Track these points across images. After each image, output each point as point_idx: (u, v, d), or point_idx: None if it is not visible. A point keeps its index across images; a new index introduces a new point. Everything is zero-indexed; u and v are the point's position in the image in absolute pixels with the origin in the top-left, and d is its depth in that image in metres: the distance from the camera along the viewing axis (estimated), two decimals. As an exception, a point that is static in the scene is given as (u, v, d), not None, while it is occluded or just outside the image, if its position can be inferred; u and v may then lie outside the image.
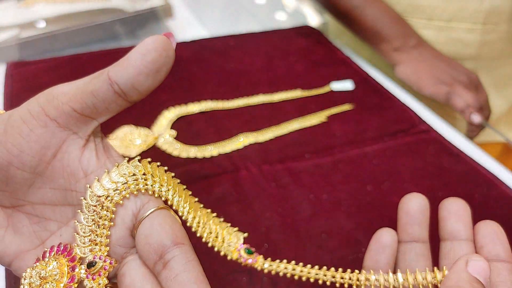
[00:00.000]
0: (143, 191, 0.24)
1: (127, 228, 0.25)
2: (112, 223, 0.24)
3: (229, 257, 0.26)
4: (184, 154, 0.44)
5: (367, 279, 0.26)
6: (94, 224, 0.24)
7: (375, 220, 0.39)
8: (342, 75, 0.59)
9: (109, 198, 0.24)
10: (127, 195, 0.24)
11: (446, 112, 0.62)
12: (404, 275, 0.25)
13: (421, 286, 0.25)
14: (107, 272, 0.24)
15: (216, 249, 0.26)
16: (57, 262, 0.24)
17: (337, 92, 0.56)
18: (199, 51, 0.62)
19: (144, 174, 0.25)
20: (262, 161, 0.44)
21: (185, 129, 0.48)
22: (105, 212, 0.24)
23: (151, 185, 0.25)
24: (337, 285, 0.26)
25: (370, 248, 0.29)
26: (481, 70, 0.65)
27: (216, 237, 0.26)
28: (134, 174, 0.24)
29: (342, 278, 0.26)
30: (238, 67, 0.59)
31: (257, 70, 0.59)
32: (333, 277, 0.26)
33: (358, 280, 0.26)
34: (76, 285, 0.23)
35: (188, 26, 0.73)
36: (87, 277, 0.23)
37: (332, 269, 0.26)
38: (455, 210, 0.28)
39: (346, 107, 0.53)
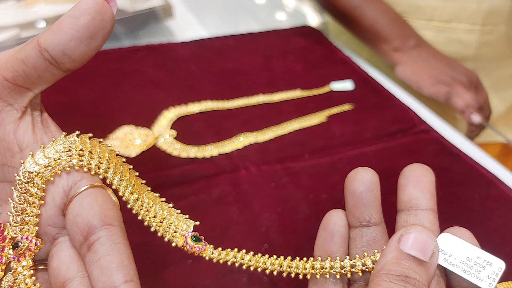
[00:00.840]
0: (76, 167, 0.23)
1: (57, 207, 0.23)
2: (42, 202, 0.23)
3: (173, 244, 0.24)
4: (184, 154, 0.44)
5: (313, 267, 0.24)
6: (25, 202, 0.23)
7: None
8: (342, 75, 0.59)
9: (40, 174, 0.23)
10: (59, 171, 0.23)
11: (446, 112, 0.62)
12: (353, 261, 0.24)
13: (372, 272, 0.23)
14: (33, 254, 0.23)
15: (159, 234, 0.25)
16: None
17: (337, 92, 0.56)
18: (198, 51, 0.62)
19: (81, 150, 0.23)
20: (261, 161, 0.44)
21: (185, 129, 0.48)
22: (35, 189, 0.23)
23: (87, 162, 0.23)
24: (284, 274, 0.25)
25: (318, 235, 0.25)
26: (480, 71, 0.65)
27: (161, 222, 0.25)
28: (69, 150, 0.23)
29: (289, 267, 0.25)
30: (238, 67, 0.59)
31: (257, 70, 0.59)
32: (280, 266, 0.25)
33: (304, 268, 0.25)
34: (3, 267, 0.22)
35: (188, 26, 0.73)
36: (13, 258, 0.22)
37: (281, 257, 0.25)
38: (414, 176, 0.24)
39: (346, 107, 0.53)
